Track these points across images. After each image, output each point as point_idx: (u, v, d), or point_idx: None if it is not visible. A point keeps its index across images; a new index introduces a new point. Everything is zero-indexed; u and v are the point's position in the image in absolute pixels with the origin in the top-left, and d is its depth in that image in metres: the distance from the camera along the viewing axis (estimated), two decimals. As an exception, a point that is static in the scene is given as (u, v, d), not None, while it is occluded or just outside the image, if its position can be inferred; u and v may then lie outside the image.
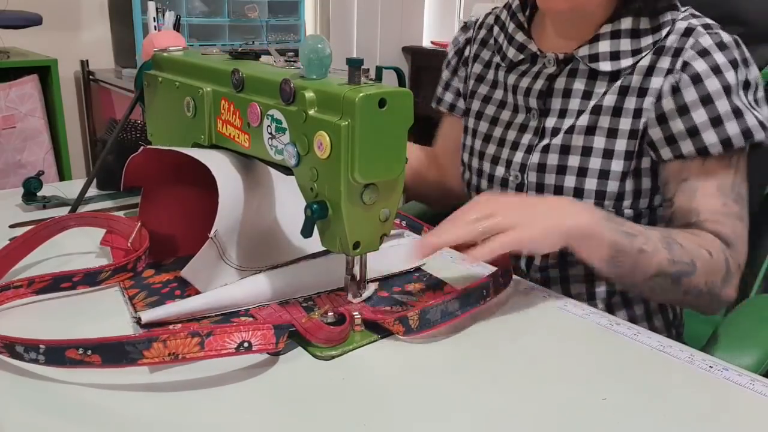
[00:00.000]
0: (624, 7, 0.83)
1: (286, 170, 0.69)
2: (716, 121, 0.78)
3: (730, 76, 0.78)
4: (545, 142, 0.87)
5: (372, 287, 0.71)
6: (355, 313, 0.65)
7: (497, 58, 0.95)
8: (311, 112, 0.62)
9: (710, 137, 0.78)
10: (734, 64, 0.79)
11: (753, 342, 0.80)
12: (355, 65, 0.61)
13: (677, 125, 0.79)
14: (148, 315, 0.63)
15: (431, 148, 1.13)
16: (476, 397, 0.55)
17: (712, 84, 0.78)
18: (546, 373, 0.59)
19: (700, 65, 0.78)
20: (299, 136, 0.64)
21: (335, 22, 2.86)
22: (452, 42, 1.06)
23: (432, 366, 0.60)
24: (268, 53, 0.76)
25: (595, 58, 0.83)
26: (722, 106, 0.78)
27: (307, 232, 0.65)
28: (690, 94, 0.78)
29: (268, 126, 0.68)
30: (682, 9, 0.84)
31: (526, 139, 0.89)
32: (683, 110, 0.79)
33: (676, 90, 0.79)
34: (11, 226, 0.90)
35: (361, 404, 0.54)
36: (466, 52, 1.03)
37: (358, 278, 0.69)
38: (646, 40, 0.82)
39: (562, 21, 0.88)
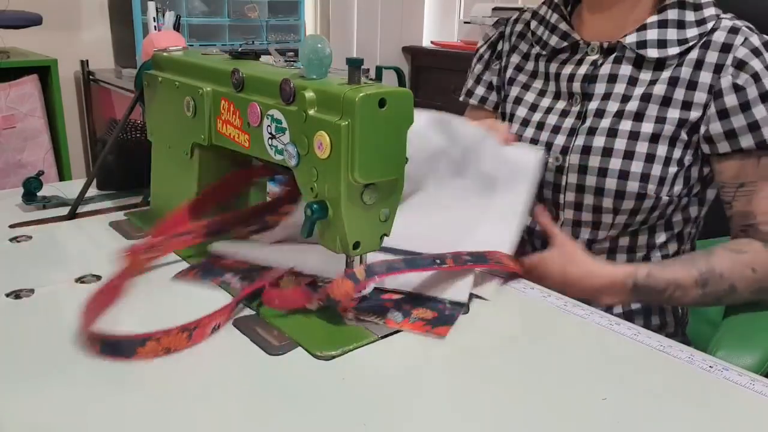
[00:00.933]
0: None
1: (286, 170, 0.69)
2: None
3: None
4: (588, 124, 0.89)
5: (372, 284, 0.71)
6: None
7: (536, 49, 0.98)
8: (311, 112, 0.62)
9: None
10: None
11: (755, 342, 0.80)
12: (355, 65, 0.61)
13: (739, 120, 0.83)
14: (217, 246, 0.77)
15: None
16: (476, 397, 0.55)
17: None
18: (546, 373, 0.59)
19: (757, 65, 0.83)
20: (299, 136, 0.64)
21: (335, 22, 2.86)
22: (483, 37, 1.09)
23: (432, 366, 0.60)
24: (268, 53, 0.76)
25: (642, 45, 0.87)
26: None
27: (306, 232, 0.65)
28: (752, 92, 0.82)
29: (268, 126, 0.68)
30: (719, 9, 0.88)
31: (568, 123, 0.91)
32: (745, 106, 0.82)
33: (739, 88, 0.83)
34: (11, 226, 0.90)
35: (361, 404, 0.54)
36: (499, 46, 1.05)
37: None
38: (692, 32, 0.86)
39: (604, 12, 0.91)
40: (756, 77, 0.82)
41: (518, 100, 0.99)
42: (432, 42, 2.94)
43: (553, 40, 0.95)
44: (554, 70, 0.94)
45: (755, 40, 0.84)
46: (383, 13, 2.94)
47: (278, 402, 0.54)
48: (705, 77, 0.84)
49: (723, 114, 0.84)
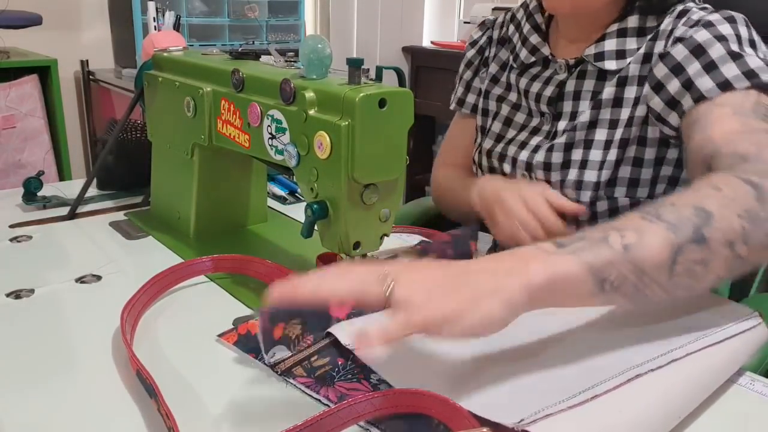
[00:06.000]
0: (630, 5, 0.82)
1: (286, 170, 0.69)
2: (710, 67, 0.72)
3: (724, 28, 0.74)
4: (553, 142, 0.86)
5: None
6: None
7: (510, 58, 0.94)
8: (311, 112, 0.62)
9: (705, 83, 0.71)
10: (731, 20, 0.75)
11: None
12: (355, 65, 0.61)
13: (674, 85, 0.75)
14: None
15: (454, 157, 1.07)
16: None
17: (702, 35, 0.74)
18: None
19: (686, 31, 0.76)
20: (299, 136, 0.64)
21: (335, 22, 2.86)
22: (470, 42, 1.03)
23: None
24: (268, 53, 0.76)
25: (600, 56, 0.82)
26: (715, 51, 0.72)
27: (307, 232, 0.65)
28: (679, 51, 0.75)
29: (269, 126, 0.68)
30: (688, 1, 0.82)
31: (536, 140, 0.89)
32: (677, 69, 0.75)
33: (664, 55, 0.77)
34: (11, 226, 0.90)
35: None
36: (487, 53, 1.01)
37: None
38: (651, 36, 0.81)
39: (569, 23, 0.87)
40: (684, 37, 0.75)
41: (495, 115, 0.96)
42: (432, 42, 2.94)
43: (523, 53, 0.91)
44: (524, 86, 0.91)
45: (697, 16, 0.76)
46: (383, 13, 2.94)
47: (278, 402, 0.54)
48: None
49: (658, 87, 0.77)
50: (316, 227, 0.65)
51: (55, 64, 2.06)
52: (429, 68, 2.78)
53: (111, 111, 2.39)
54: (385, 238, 0.68)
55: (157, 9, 1.91)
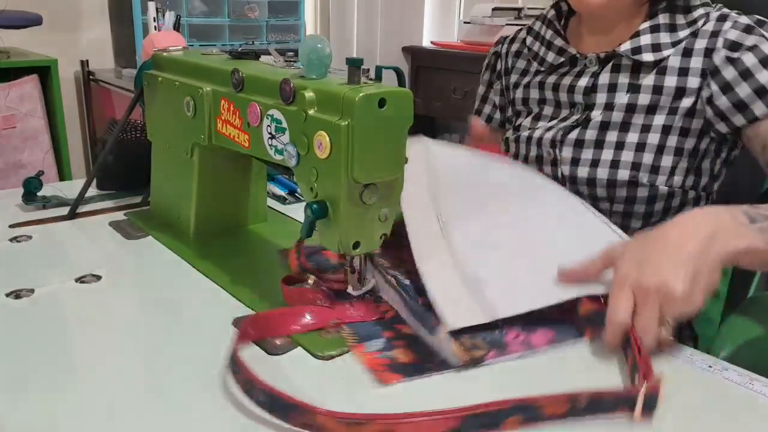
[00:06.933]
0: (657, 4, 0.88)
1: (286, 170, 0.69)
2: None
3: None
4: (588, 122, 0.90)
5: (372, 280, 0.71)
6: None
7: (534, 65, 0.99)
8: (311, 112, 0.62)
9: None
10: None
11: (753, 342, 0.80)
12: (355, 65, 0.61)
13: (744, 89, 0.82)
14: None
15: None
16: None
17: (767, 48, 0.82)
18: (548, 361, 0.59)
19: (751, 40, 0.82)
20: (299, 136, 0.64)
21: (335, 22, 2.86)
22: (486, 59, 1.11)
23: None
24: (268, 53, 0.77)
25: (637, 50, 0.87)
26: None
27: (306, 232, 0.65)
28: (749, 59, 0.82)
29: (268, 126, 0.68)
30: (713, 5, 0.89)
31: (567, 123, 0.92)
32: (746, 74, 0.82)
33: (733, 60, 0.83)
34: (11, 226, 0.90)
35: (361, 404, 0.54)
36: (498, 66, 1.07)
37: (357, 270, 0.69)
38: (684, 33, 0.86)
39: (598, 23, 0.92)
40: (752, 47, 0.82)
41: (524, 113, 1.00)
42: (432, 42, 2.94)
43: (550, 56, 0.95)
44: (554, 80, 0.95)
45: (744, 20, 0.84)
46: (383, 13, 2.94)
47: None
48: (696, 62, 0.85)
49: (726, 87, 0.83)
50: (315, 227, 0.65)
51: (55, 64, 2.06)
52: (429, 68, 2.78)
53: (111, 111, 2.39)
54: (385, 237, 0.68)
55: (157, 9, 1.91)
